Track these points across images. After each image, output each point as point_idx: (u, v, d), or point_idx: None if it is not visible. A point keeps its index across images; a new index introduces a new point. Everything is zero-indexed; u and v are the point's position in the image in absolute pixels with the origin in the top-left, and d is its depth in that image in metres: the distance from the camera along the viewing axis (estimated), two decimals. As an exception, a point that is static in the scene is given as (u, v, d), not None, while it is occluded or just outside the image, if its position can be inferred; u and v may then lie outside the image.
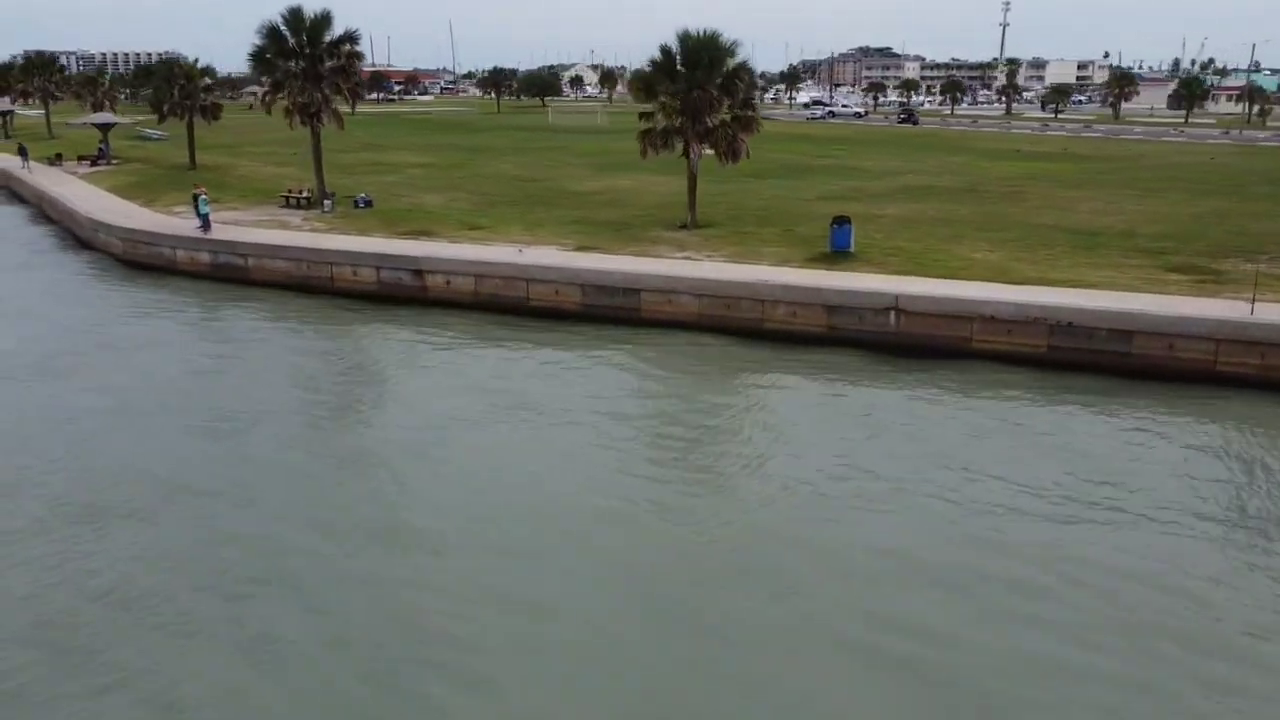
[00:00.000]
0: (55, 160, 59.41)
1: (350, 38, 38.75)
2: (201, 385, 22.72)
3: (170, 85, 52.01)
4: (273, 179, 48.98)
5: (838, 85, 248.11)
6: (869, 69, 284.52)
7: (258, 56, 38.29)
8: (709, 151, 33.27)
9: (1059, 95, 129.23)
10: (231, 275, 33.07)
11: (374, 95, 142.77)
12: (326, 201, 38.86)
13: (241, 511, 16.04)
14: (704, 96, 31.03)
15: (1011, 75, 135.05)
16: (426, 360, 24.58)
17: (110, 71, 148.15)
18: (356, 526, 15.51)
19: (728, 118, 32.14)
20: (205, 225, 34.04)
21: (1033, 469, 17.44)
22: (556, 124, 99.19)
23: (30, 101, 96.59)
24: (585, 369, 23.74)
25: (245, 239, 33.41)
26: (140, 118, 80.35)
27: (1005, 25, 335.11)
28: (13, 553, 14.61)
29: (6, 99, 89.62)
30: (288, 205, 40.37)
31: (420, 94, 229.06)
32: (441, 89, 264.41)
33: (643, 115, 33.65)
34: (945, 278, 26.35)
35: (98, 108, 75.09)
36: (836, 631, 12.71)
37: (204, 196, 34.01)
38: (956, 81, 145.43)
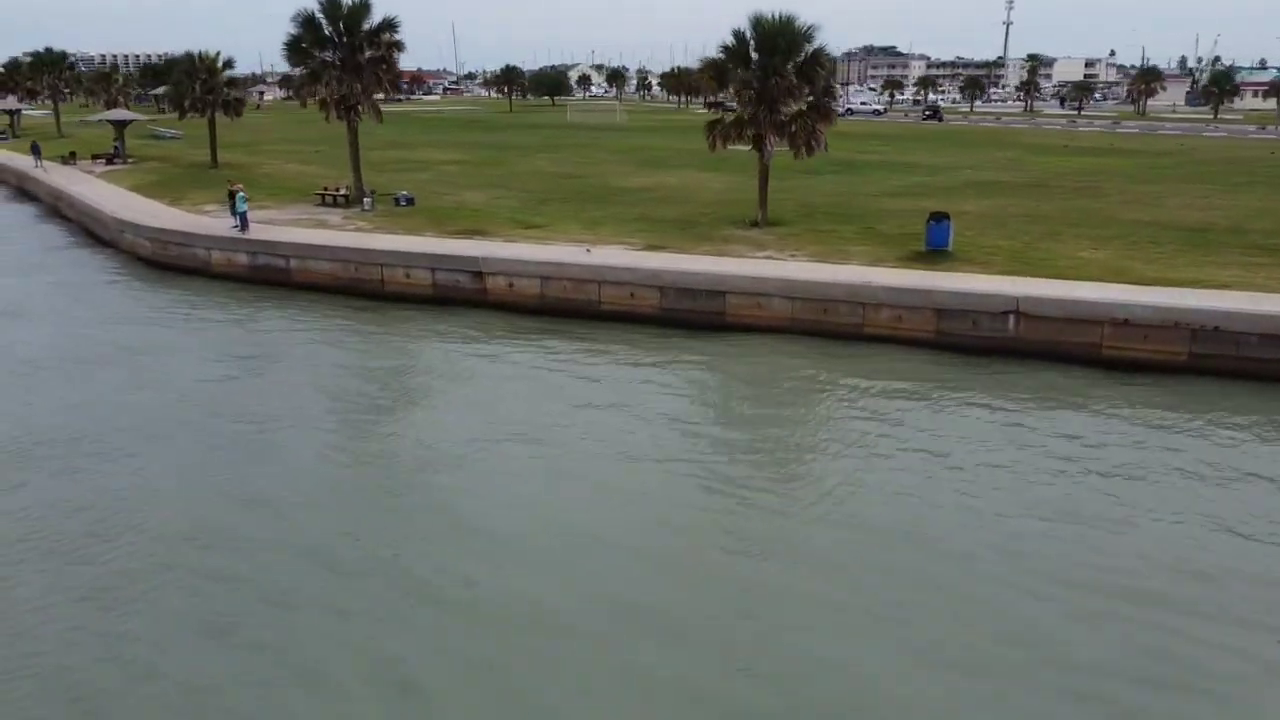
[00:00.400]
0: (69, 159, 57.22)
1: (390, 25, 36.64)
2: (255, 398, 20.51)
3: (191, 80, 49.72)
4: (300, 177, 46.83)
5: (845, 84, 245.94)
6: (874, 68, 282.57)
7: (293, 45, 36.15)
8: (779, 146, 31.06)
9: (1082, 91, 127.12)
10: (271, 278, 30.89)
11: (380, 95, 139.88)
12: (366, 199, 36.68)
13: (301, 555, 13.87)
14: (781, 84, 28.85)
15: (1033, 71, 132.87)
16: (494, 370, 22.36)
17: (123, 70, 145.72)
18: (435, 566, 13.47)
19: (803, 107, 29.94)
20: (243, 225, 31.86)
21: (1225, 496, 15.36)
22: (575, 121, 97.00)
23: (38, 101, 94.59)
24: (674, 377, 21.60)
25: (286, 239, 31.22)
26: (148, 117, 78.29)
27: (1009, 24, 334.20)
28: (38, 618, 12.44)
29: (13, 97, 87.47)
30: (324, 204, 38.18)
31: (425, 94, 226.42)
32: (445, 89, 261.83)
33: (711, 105, 31.54)
34: (1058, 278, 24.21)
35: (110, 105, 72.78)
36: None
37: (242, 194, 31.82)
38: (976, 79, 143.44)
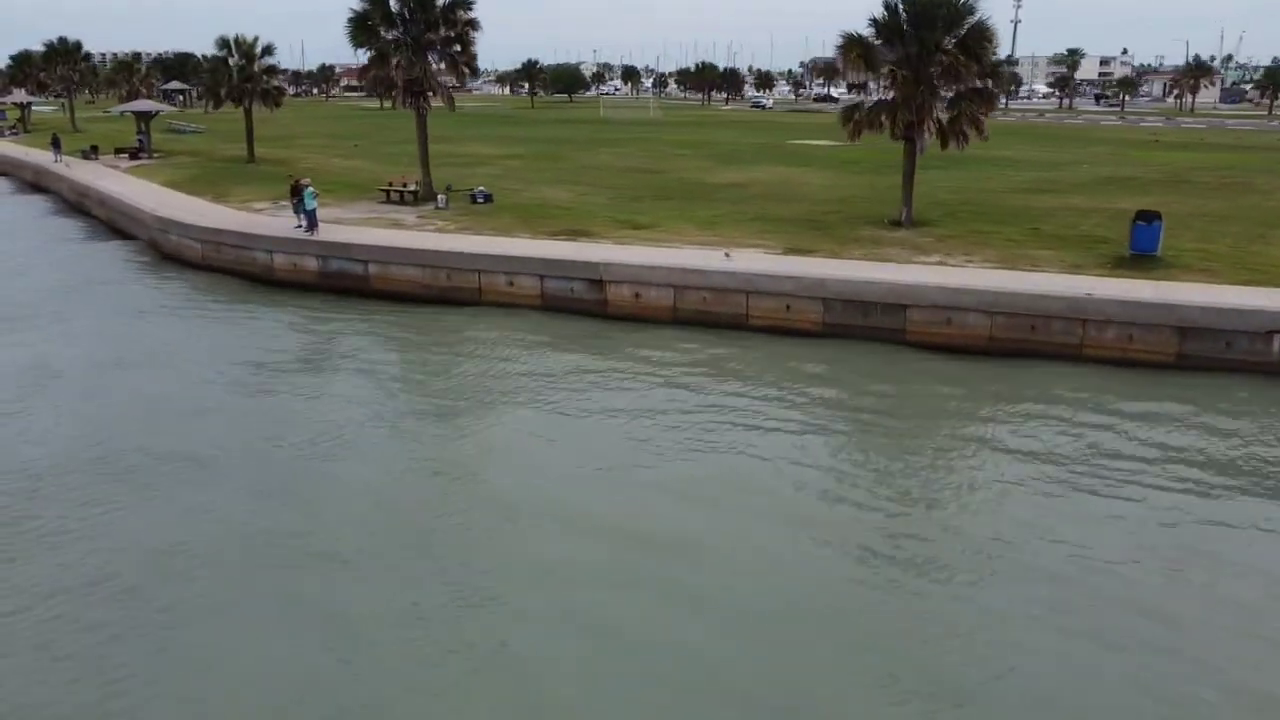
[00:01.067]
0: (90, 153, 53.16)
1: (464, 2, 32.52)
2: (352, 447, 16.53)
3: (227, 67, 45.65)
4: (351, 172, 42.74)
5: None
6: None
7: (359, 23, 32.12)
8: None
9: (1126, 87, 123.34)
10: (346, 285, 26.89)
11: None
12: (440, 196, 32.62)
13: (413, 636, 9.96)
14: (945, 62, 24.84)
15: (1073, 67, 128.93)
16: (646, 398, 18.31)
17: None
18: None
19: (964, 89, 25.96)
20: (310, 224, 27.84)
21: None
22: (609, 117, 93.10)
23: (47, 95, 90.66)
24: (861, 402, 17.64)
25: (363, 240, 27.19)
26: (174, 109, 74.37)
27: (1017, 22, 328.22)
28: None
29: (23, 90, 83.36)
30: (389, 200, 34.17)
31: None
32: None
33: (852, 87, 27.62)
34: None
35: (132, 96, 68.64)
36: None
37: (311, 190, 27.75)
38: (1014, 75, 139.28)
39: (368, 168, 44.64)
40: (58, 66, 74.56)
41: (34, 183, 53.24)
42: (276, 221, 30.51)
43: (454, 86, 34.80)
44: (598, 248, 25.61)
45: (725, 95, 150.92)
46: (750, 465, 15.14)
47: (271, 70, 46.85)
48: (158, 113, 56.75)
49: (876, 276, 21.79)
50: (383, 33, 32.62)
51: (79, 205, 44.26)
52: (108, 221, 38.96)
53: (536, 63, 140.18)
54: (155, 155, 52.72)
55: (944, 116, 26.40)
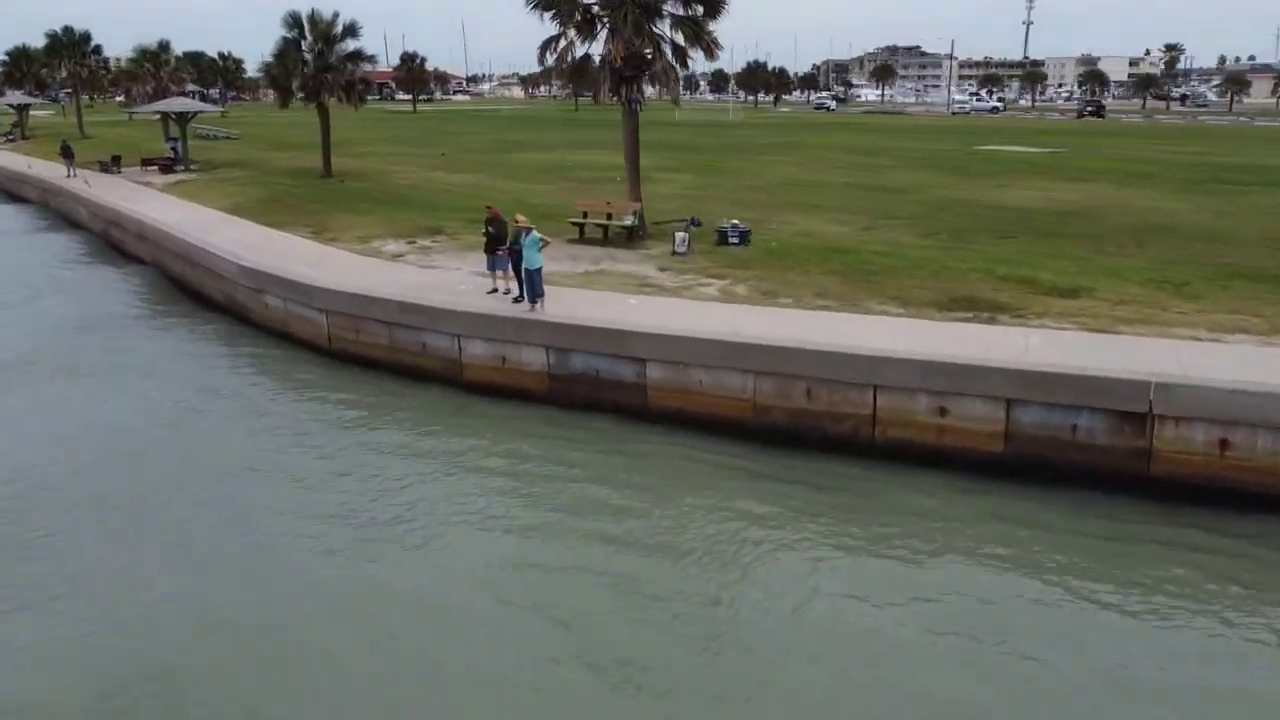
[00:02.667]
0: (112, 165, 42.00)
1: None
2: None
3: (299, 52, 34.45)
4: (477, 193, 31.36)
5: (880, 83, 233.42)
6: (904, 68, 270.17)
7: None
8: None
9: (1238, 85, 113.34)
10: (600, 397, 15.84)
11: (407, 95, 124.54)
12: (679, 235, 21.38)
13: None
14: None
15: (1171, 64, 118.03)
16: None
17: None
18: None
19: None
20: (534, 292, 16.68)
21: None
22: (687, 120, 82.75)
23: (47, 96, 79.38)
24: None
25: (633, 324, 16.00)
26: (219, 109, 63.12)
27: (1029, 24, 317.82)
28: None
29: (19, 92, 71.80)
30: (582, 239, 23.06)
31: (455, 94, 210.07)
32: (454, 90, 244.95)
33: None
34: None
35: (159, 94, 57.13)
36: None
37: (536, 236, 16.51)
38: (1097, 73, 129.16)
39: (494, 184, 33.68)
40: (62, 62, 63.00)
41: (44, 203, 42.08)
42: (449, 280, 19.41)
43: (681, 74, 23.44)
44: (1118, 345, 14.47)
45: (774, 97, 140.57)
46: None
47: (356, 57, 35.54)
48: (196, 113, 45.34)
49: None
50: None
51: (104, 236, 33.18)
52: (155, 264, 27.84)
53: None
54: (194, 167, 41.55)
55: None
